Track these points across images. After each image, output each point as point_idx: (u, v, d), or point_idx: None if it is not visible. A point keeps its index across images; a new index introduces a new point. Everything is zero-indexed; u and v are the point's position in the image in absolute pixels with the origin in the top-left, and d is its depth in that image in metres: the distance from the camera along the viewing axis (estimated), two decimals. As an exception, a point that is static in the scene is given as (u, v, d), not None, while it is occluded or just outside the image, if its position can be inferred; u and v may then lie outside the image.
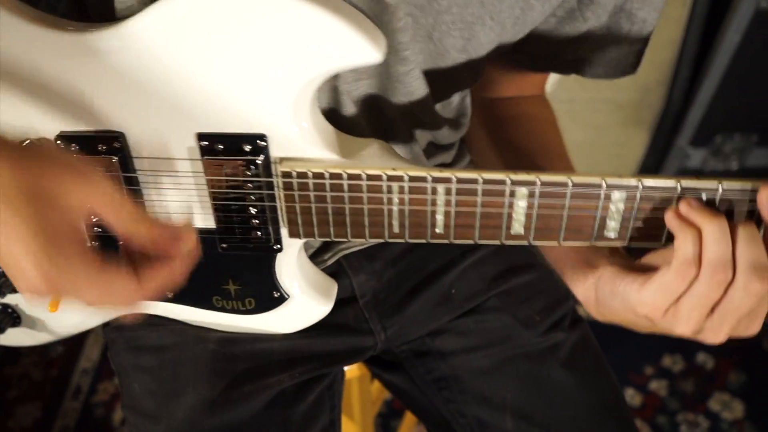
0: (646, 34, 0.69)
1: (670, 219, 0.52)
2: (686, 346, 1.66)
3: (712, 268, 0.50)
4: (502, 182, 0.53)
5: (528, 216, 0.55)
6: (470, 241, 0.57)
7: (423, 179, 0.54)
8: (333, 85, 0.63)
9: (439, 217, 0.56)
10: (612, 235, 0.55)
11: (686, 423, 1.53)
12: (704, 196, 0.52)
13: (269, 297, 0.68)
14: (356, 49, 0.51)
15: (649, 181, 0.52)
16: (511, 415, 0.75)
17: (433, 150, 0.77)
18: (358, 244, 0.79)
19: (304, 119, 0.56)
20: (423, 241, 0.58)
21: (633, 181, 0.52)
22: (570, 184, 0.52)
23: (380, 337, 0.80)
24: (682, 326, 0.53)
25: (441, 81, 0.67)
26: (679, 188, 0.52)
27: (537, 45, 0.70)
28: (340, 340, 0.78)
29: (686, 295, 0.51)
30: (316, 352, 0.75)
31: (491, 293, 0.80)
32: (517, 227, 0.55)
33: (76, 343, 1.70)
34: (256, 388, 0.71)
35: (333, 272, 0.78)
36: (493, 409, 0.76)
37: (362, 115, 0.66)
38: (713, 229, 0.50)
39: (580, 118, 1.75)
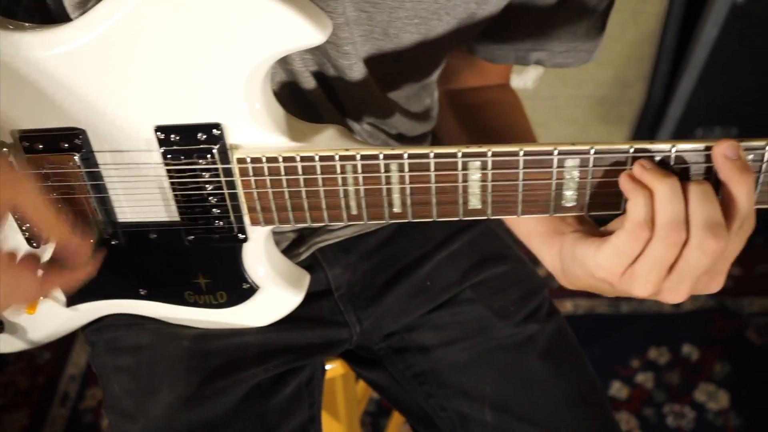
0: (602, 9, 0.70)
1: (623, 182, 0.51)
2: (672, 339, 1.67)
3: (665, 229, 0.49)
4: (453, 155, 0.54)
5: (483, 189, 0.55)
6: (429, 219, 0.58)
7: (375, 157, 0.55)
8: (289, 69, 0.64)
9: (396, 196, 0.57)
10: (570, 204, 0.55)
11: (673, 414, 1.53)
12: (657, 158, 0.52)
13: (239, 289, 0.68)
14: (297, 31, 0.52)
15: (602, 146, 0.52)
16: (490, 407, 0.75)
17: (403, 142, 0.78)
18: (333, 237, 0.79)
19: (256, 104, 0.57)
20: (383, 222, 0.58)
21: (585, 147, 0.52)
22: (521, 153, 0.53)
23: (355, 330, 0.80)
24: (640, 288, 0.52)
25: (397, 74, 0.68)
26: (631, 151, 0.52)
27: (496, 36, 0.71)
28: (315, 333, 0.78)
29: (642, 257, 0.51)
30: (290, 344, 0.76)
31: (465, 285, 0.81)
32: (474, 201, 0.56)
33: (63, 349, 1.69)
34: (231, 383, 0.71)
35: (308, 266, 0.79)
36: (472, 401, 0.76)
37: (323, 104, 0.67)
38: (664, 189, 0.49)
39: (562, 114, 1.76)
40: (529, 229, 0.65)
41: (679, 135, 1.79)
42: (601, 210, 0.55)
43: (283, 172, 0.57)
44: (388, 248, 0.82)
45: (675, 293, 0.53)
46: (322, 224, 0.61)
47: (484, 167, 0.54)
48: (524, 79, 1.70)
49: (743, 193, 0.50)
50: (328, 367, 0.90)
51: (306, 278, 0.72)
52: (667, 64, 1.69)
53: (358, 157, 0.55)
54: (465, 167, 0.54)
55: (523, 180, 0.54)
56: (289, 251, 0.78)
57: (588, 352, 1.68)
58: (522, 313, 0.79)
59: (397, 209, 0.57)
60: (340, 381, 0.97)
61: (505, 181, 0.54)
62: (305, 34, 0.52)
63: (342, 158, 0.55)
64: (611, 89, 1.73)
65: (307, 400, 0.77)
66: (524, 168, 0.54)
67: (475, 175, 0.54)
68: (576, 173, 0.53)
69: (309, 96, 0.66)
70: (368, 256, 0.82)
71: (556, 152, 0.53)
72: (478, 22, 0.66)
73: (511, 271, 0.82)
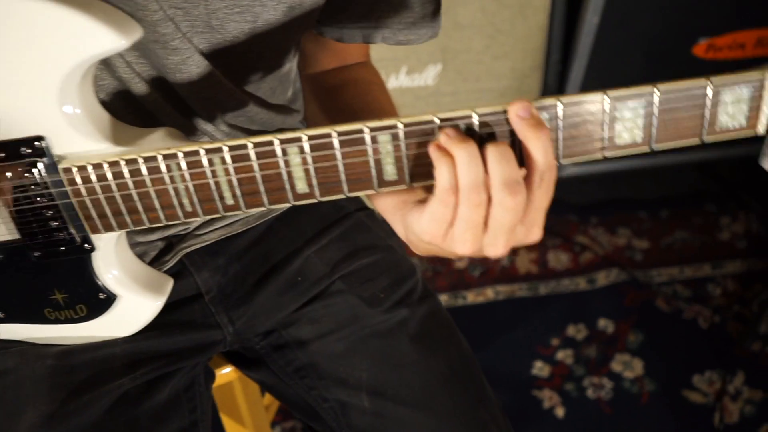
0: None
1: (431, 151, 0.53)
2: (588, 315, 1.72)
3: (466, 192, 0.52)
4: (270, 143, 0.55)
5: (306, 172, 0.56)
6: (262, 208, 0.59)
7: (196, 153, 0.56)
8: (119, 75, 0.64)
9: (225, 189, 0.57)
10: (392, 178, 0.57)
11: (592, 386, 1.58)
12: (463, 126, 0.54)
13: (97, 300, 0.68)
14: (98, 37, 0.53)
15: (408, 119, 0.54)
16: (367, 393, 0.77)
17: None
18: (199, 242, 0.80)
19: (77, 112, 0.57)
20: (218, 215, 0.59)
21: (393, 122, 0.54)
22: (334, 134, 0.54)
23: (228, 330, 0.81)
24: (460, 247, 0.55)
25: (243, 66, 0.69)
26: (437, 121, 0.54)
27: (336, 17, 0.73)
28: (186, 337, 0.78)
29: (455, 220, 0.54)
30: (160, 351, 0.76)
31: (335, 277, 0.82)
32: (301, 185, 0.57)
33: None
34: (96, 396, 0.70)
35: (177, 272, 0.79)
36: (350, 389, 0.78)
37: (161, 109, 0.68)
38: (461, 155, 0.52)
39: (464, 108, 1.80)
40: (385, 204, 0.66)
41: (578, 119, 1.84)
42: (422, 180, 0.57)
43: (111, 178, 0.57)
44: (259, 248, 0.83)
45: (494, 248, 0.55)
46: (166, 225, 0.61)
47: (302, 152, 0.55)
48: (424, 77, 1.73)
49: (538, 148, 0.52)
50: (222, 371, 0.90)
51: (168, 282, 0.72)
52: (558, 53, 1.75)
53: (180, 155, 0.56)
54: (285, 153, 0.56)
55: (342, 159, 0.56)
56: (157, 260, 0.78)
57: (510, 336, 1.73)
58: (392, 300, 0.81)
59: (229, 201, 0.58)
60: (239, 385, 0.97)
61: (325, 163, 0.56)
62: (107, 39, 0.53)
63: (165, 158, 0.56)
64: (510, 81, 1.78)
65: (187, 405, 0.77)
66: (341, 148, 0.55)
67: (295, 160, 0.56)
68: (390, 147, 0.55)
69: (145, 102, 0.67)
70: (238, 257, 0.82)
71: (367, 130, 0.54)
72: (310, 10, 0.67)
73: (380, 261, 0.84)
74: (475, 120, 0.54)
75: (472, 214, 0.53)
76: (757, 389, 1.56)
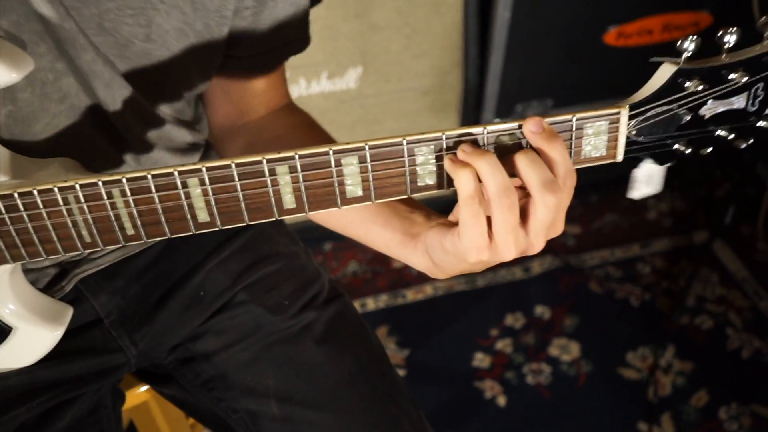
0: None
1: (447, 166, 0.57)
2: (525, 303, 1.76)
3: (497, 197, 0.55)
4: (170, 175, 0.55)
5: (207, 203, 0.57)
6: (164, 237, 0.59)
7: (95, 185, 0.55)
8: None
9: (125, 220, 0.57)
10: (291, 206, 0.58)
11: (531, 373, 1.62)
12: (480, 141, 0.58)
13: (-9, 332, 0.67)
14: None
15: (304, 151, 0.56)
16: (275, 400, 0.78)
17: (173, 153, 0.78)
18: (94, 266, 0.79)
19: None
20: (119, 245, 0.59)
21: (290, 153, 0.56)
22: (233, 165, 0.55)
23: (132, 353, 0.81)
24: (506, 252, 0.58)
25: (149, 76, 0.68)
26: (330, 152, 0.56)
27: (249, 44, 0.73)
28: (86, 363, 0.78)
29: (493, 227, 0.57)
30: (59, 379, 0.75)
31: (238, 288, 0.83)
32: (203, 215, 0.58)
33: None
34: None
35: (73, 298, 0.78)
36: (259, 398, 0.79)
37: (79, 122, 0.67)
38: (484, 164, 0.55)
39: (390, 109, 1.81)
40: (385, 242, 0.69)
41: (502, 112, 1.88)
42: (323, 207, 0.58)
43: (4, 211, 0.56)
44: (159, 266, 0.83)
45: (536, 246, 0.59)
46: (62, 256, 0.60)
47: (202, 182, 0.56)
48: (346, 81, 1.73)
49: (557, 154, 0.56)
50: (142, 389, 0.89)
51: (67, 312, 0.70)
52: (476, 49, 1.77)
53: (77, 186, 0.55)
54: (185, 185, 0.56)
55: (242, 190, 0.57)
56: (51, 287, 0.77)
57: (450, 330, 1.76)
58: (297, 305, 0.82)
59: (130, 232, 0.58)
60: (155, 404, 0.96)
61: (225, 194, 0.57)
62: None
63: (62, 190, 0.56)
64: (431, 79, 1.80)
65: (92, 429, 0.77)
66: (240, 180, 0.56)
67: (196, 191, 0.56)
68: (288, 178, 0.57)
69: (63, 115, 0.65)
70: (137, 277, 0.82)
71: (264, 161, 0.55)
72: (204, 14, 0.66)
73: (284, 268, 0.85)
74: (486, 136, 0.57)
75: (507, 217, 0.55)
76: (686, 361, 1.63)
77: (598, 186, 2.03)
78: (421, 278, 1.82)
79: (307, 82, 1.66)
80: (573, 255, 1.87)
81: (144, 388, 0.90)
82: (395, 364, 1.62)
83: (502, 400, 1.56)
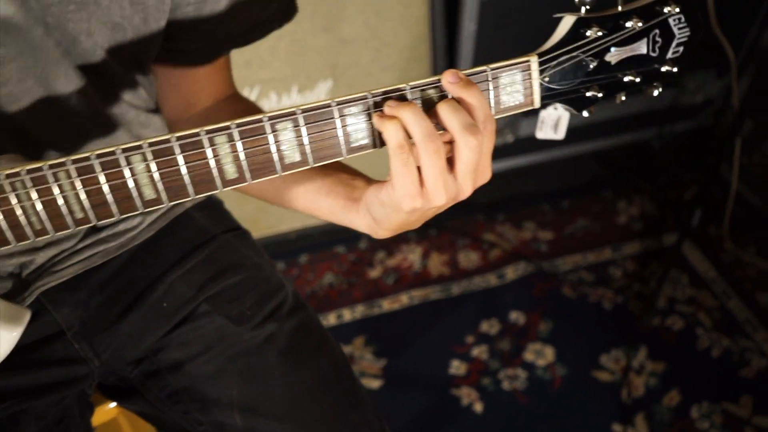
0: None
1: (375, 121, 0.60)
2: (500, 309, 1.77)
3: (422, 141, 0.58)
4: (113, 153, 0.57)
5: (151, 179, 0.58)
6: (113, 219, 0.60)
7: (40, 170, 0.57)
8: None
9: (73, 202, 0.58)
10: (233, 176, 0.60)
11: (507, 378, 1.62)
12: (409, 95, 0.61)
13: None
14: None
15: (240, 120, 0.58)
16: (238, 410, 0.78)
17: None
18: (55, 278, 0.79)
19: None
20: (69, 231, 0.60)
21: (227, 123, 0.58)
22: (174, 139, 0.57)
23: (94, 364, 0.81)
24: (438, 197, 0.60)
25: (100, 71, 0.69)
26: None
27: (192, 37, 0.74)
28: (48, 374, 0.78)
29: (423, 174, 0.59)
30: (19, 387, 0.75)
31: (201, 299, 0.83)
32: (149, 192, 0.59)
33: None
34: None
35: (35, 312, 0.78)
36: (223, 409, 0.79)
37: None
38: (408, 113, 0.58)
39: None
40: (330, 210, 0.71)
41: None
42: (266, 174, 0.60)
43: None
44: (122, 277, 0.83)
45: (465, 190, 0.62)
46: (13, 246, 0.61)
47: (145, 158, 0.57)
48: (316, 94, 1.76)
49: (474, 99, 0.60)
50: (111, 406, 0.89)
51: (24, 314, 0.70)
52: (443, 61, 1.81)
53: (24, 172, 0.57)
54: (129, 162, 0.57)
55: (185, 164, 0.58)
56: (11, 299, 0.77)
57: (426, 338, 1.76)
58: (260, 316, 0.82)
59: (79, 215, 0.59)
60: (125, 420, 0.96)
61: (168, 168, 0.58)
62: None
63: (8, 176, 0.57)
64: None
65: None
66: (182, 152, 0.57)
67: (140, 167, 0.57)
68: (228, 148, 0.58)
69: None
70: (100, 289, 0.82)
71: (203, 133, 0.57)
72: (141, 7, 0.68)
73: (247, 279, 0.85)
74: (408, 91, 0.60)
75: (435, 161, 0.58)
76: (658, 361, 1.64)
77: (570, 191, 2.06)
78: (397, 287, 1.83)
79: (278, 96, 1.69)
80: (546, 260, 1.89)
81: (112, 404, 0.90)
82: (372, 374, 1.63)
83: (479, 407, 1.57)
